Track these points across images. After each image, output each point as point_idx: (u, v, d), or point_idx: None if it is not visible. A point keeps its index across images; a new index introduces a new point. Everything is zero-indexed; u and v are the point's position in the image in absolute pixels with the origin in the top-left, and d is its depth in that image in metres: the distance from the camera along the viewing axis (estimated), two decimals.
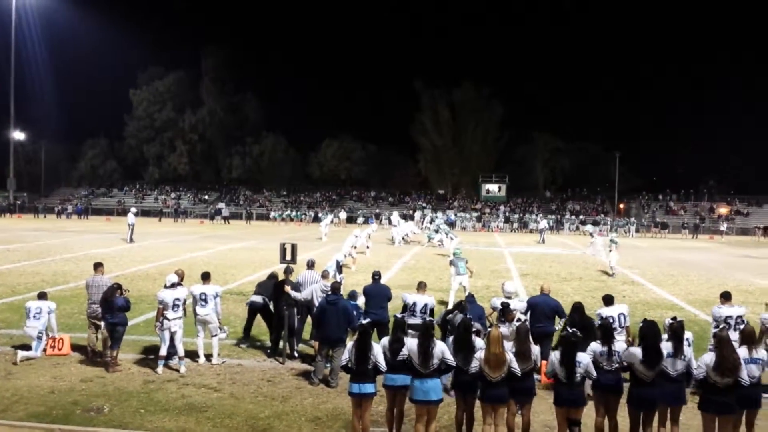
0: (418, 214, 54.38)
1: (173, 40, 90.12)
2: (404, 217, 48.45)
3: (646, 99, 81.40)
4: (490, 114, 67.70)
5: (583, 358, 7.24)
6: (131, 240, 31.46)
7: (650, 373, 7.12)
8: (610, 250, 23.08)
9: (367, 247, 26.90)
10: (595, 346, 7.59)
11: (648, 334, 7.32)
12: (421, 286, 10.87)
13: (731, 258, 31.80)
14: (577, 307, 9.72)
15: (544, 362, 8.83)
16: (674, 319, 7.82)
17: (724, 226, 52.11)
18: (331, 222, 41.17)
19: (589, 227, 37.19)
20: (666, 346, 7.35)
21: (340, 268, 15.71)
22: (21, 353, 10.44)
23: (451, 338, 7.93)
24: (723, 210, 58.97)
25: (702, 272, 24.70)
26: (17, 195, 65.65)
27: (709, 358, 7.03)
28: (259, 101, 77.18)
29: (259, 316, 11.82)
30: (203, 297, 10.63)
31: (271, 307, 11.63)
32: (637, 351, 7.23)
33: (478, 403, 7.49)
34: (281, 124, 75.87)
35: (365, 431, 7.43)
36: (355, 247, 23.81)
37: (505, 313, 9.39)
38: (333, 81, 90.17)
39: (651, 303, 17.12)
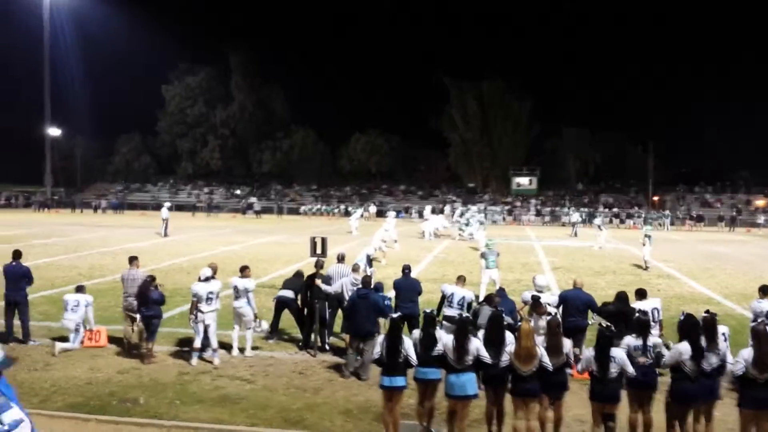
0: (447, 208, 54.21)
1: (204, 36, 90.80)
2: (433, 210, 48.30)
3: (680, 90, 79.64)
4: (520, 107, 66.99)
5: (618, 354, 7.15)
6: (166, 234, 31.93)
7: (697, 368, 7.01)
8: (644, 244, 22.72)
9: (395, 241, 26.89)
10: (630, 339, 7.51)
11: (691, 328, 7.20)
12: (461, 279, 10.90)
13: None
14: (620, 297, 9.62)
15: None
16: (707, 312, 7.70)
17: (761, 219, 50.96)
18: (361, 216, 41.26)
19: (597, 220, 36.55)
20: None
21: (370, 261, 15.75)
22: (59, 345, 10.68)
23: (480, 332, 7.91)
24: (760, 202, 57.64)
25: (739, 265, 24.23)
26: (54, 190, 67.02)
27: (748, 353, 6.87)
28: (288, 96, 77.57)
29: (287, 311, 11.89)
30: (236, 290, 10.80)
31: (299, 302, 11.72)
32: (683, 347, 7.09)
33: (508, 396, 7.47)
34: (310, 118, 75.97)
35: (396, 424, 7.45)
36: (385, 241, 23.83)
37: (535, 306, 9.34)
38: (361, 75, 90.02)
39: (686, 297, 16.85)
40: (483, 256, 16.11)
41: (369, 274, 13.04)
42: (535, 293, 10.07)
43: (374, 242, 21.51)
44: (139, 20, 67.93)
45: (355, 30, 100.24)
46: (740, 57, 79.56)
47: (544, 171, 65.20)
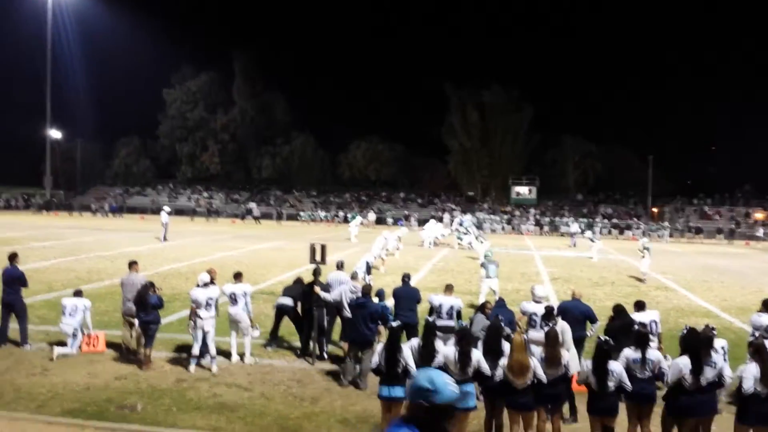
0: (446, 216, 54.21)
1: (206, 40, 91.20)
2: (440, 219, 48.28)
3: (680, 101, 79.92)
4: (520, 116, 67.13)
5: (616, 367, 7.13)
6: (165, 239, 31.88)
7: (696, 382, 6.99)
8: (643, 256, 22.70)
9: (398, 249, 26.89)
10: (629, 352, 7.48)
11: (694, 343, 7.19)
12: (448, 288, 10.88)
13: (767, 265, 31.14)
14: (619, 310, 9.60)
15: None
16: (707, 326, 7.73)
17: (760, 232, 50.99)
18: (361, 223, 41.22)
19: (588, 233, 36.01)
20: None
21: (369, 269, 15.75)
22: (57, 350, 10.64)
23: (480, 343, 7.91)
24: (759, 215, 57.68)
25: (737, 279, 24.23)
26: (53, 193, 66.95)
27: (756, 369, 6.84)
28: (289, 102, 77.70)
29: (287, 319, 11.88)
30: (233, 296, 10.80)
31: (299, 309, 11.72)
32: (683, 362, 7.07)
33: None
34: (311, 124, 76.13)
35: None
36: (387, 250, 23.81)
37: (548, 317, 9.22)
38: (362, 82, 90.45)
39: (685, 309, 16.85)
40: (483, 266, 16.11)
41: (367, 282, 13.08)
42: (548, 304, 10.06)
43: (374, 250, 21.48)
44: (141, 24, 68.18)
45: (357, 37, 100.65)
46: (744, 69, 79.79)
47: (543, 181, 65.25)
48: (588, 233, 35.42)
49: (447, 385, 3.02)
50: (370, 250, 20.73)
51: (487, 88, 67.06)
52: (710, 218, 58.23)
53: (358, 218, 41.76)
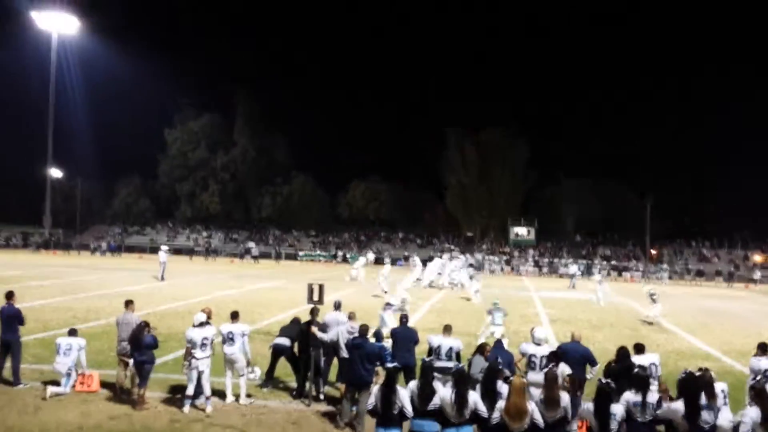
0: (446, 256, 54.03)
1: (208, 81, 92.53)
2: (431, 259, 48.02)
3: (679, 142, 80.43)
4: (518, 154, 67.40)
5: (618, 410, 7.04)
6: (162, 278, 31.78)
7: (691, 426, 6.90)
8: (654, 302, 22.53)
9: (384, 290, 26.84)
10: (629, 395, 7.40)
11: (689, 386, 7.12)
12: (447, 329, 10.79)
13: (767, 308, 30.98)
14: (622, 353, 9.49)
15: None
16: (701, 369, 7.70)
17: (757, 275, 50.94)
18: (365, 264, 40.61)
19: (596, 276, 34.59)
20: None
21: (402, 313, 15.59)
22: (50, 389, 10.53)
23: (478, 385, 7.82)
24: (758, 258, 57.69)
25: (738, 321, 24.10)
26: (52, 231, 66.92)
27: (756, 413, 6.77)
28: (290, 142, 78.30)
29: (283, 359, 11.77)
30: (230, 336, 10.71)
31: (296, 350, 11.62)
32: (678, 405, 7.00)
33: None
34: (310, 164, 76.66)
35: None
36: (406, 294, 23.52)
37: (554, 359, 9.14)
38: (361, 122, 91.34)
39: (685, 352, 16.70)
40: (490, 312, 15.97)
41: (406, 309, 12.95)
42: (553, 349, 9.97)
43: (399, 292, 21.16)
44: (144, 64, 69.08)
45: (356, 78, 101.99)
46: (744, 111, 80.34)
47: (542, 221, 65.25)
48: (596, 276, 34.38)
49: None
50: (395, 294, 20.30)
51: (485, 126, 67.64)
52: (709, 261, 58.17)
53: (362, 259, 41.36)
